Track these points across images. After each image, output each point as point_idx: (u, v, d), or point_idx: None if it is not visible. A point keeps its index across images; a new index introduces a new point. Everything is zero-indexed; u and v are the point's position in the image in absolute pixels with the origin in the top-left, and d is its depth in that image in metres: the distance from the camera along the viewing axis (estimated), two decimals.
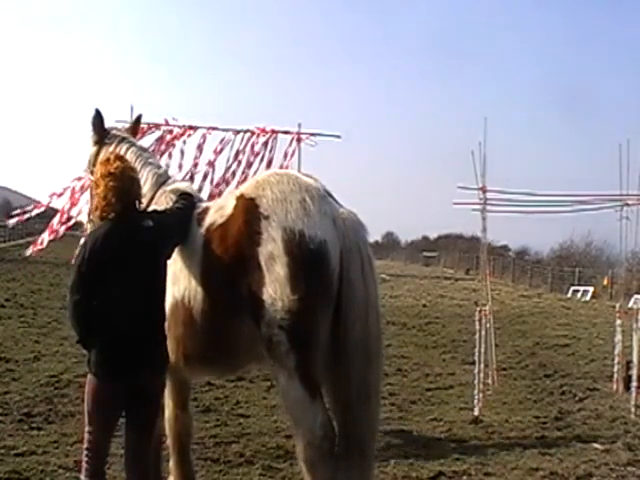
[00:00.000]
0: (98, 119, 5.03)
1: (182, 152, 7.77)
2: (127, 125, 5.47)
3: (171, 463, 4.83)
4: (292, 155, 7.95)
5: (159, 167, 5.03)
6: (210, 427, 6.85)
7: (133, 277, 3.70)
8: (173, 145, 7.73)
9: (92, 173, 4.75)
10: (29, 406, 7.18)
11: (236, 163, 7.84)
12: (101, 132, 5.05)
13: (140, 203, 4.02)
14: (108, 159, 3.93)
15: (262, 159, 7.89)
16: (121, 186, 3.78)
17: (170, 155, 7.71)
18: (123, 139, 5.05)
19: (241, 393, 8.40)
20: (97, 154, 4.95)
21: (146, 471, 3.88)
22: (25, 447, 5.89)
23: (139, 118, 5.48)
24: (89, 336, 3.74)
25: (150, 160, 4.98)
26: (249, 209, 3.86)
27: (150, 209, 4.37)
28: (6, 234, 44.93)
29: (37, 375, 8.57)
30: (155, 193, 4.62)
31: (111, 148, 4.89)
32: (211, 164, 7.84)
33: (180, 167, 7.76)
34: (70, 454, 5.72)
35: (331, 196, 3.98)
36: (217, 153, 7.91)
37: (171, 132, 7.77)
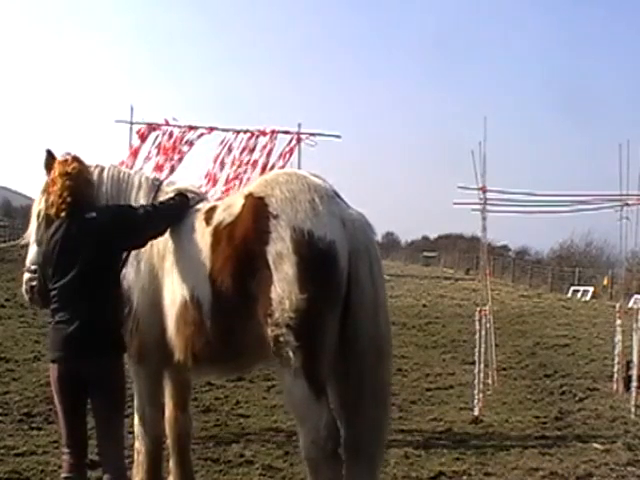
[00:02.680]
0: (51, 163, 4.43)
1: (181, 159, 7.71)
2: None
3: (171, 463, 4.83)
4: (290, 155, 7.91)
5: (147, 173, 5.08)
6: (210, 427, 6.85)
7: (73, 265, 3.84)
8: (172, 158, 7.65)
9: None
10: (29, 406, 7.19)
11: (234, 165, 7.77)
12: None
13: (92, 204, 4.11)
14: (66, 160, 4.10)
15: (257, 164, 7.80)
16: (76, 186, 3.97)
17: (173, 168, 7.61)
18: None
19: (241, 393, 8.40)
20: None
21: (113, 453, 3.91)
22: (25, 447, 5.90)
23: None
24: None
25: (137, 170, 5.03)
26: (258, 208, 3.86)
27: None
28: (6, 234, 44.95)
29: (37, 375, 8.56)
30: (155, 195, 4.59)
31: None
32: (212, 176, 7.71)
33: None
34: None
35: (339, 196, 3.98)
36: (219, 163, 7.80)
37: (171, 134, 7.73)
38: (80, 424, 3.93)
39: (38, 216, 4.57)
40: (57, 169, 4.06)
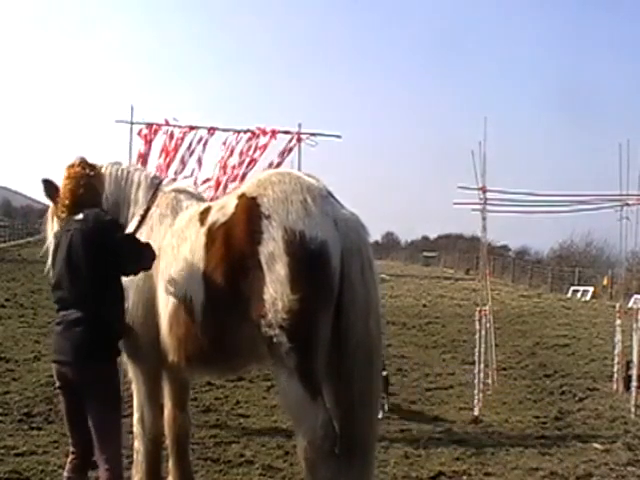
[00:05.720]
0: (51, 190, 4.43)
1: (184, 161, 7.71)
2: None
3: (170, 463, 4.83)
4: (288, 153, 7.90)
5: (148, 171, 5.10)
6: (210, 427, 6.85)
7: (64, 265, 3.90)
8: (173, 158, 7.64)
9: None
10: (29, 406, 7.19)
11: (235, 169, 7.75)
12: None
13: (95, 207, 4.03)
14: (73, 164, 4.12)
15: (256, 163, 7.78)
16: (75, 189, 4.00)
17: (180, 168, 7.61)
18: None
19: (241, 393, 8.41)
20: None
21: (109, 456, 3.83)
22: (25, 447, 5.89)
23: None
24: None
25: (137, 167, 5.05)
26: (250, 208, 3.86)
27: (152, 211, 4.40)
28: (6, 234, 44.95)
29: (37, 375, 8.57)
30: (154, 194, 4.59)
31: None
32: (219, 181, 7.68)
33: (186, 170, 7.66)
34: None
35: (333, 197, 3.97)
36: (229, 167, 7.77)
37: (171, 135, 7.72)
38: (82, 425, 3.89)
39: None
40: (64, 173, 4.14)
